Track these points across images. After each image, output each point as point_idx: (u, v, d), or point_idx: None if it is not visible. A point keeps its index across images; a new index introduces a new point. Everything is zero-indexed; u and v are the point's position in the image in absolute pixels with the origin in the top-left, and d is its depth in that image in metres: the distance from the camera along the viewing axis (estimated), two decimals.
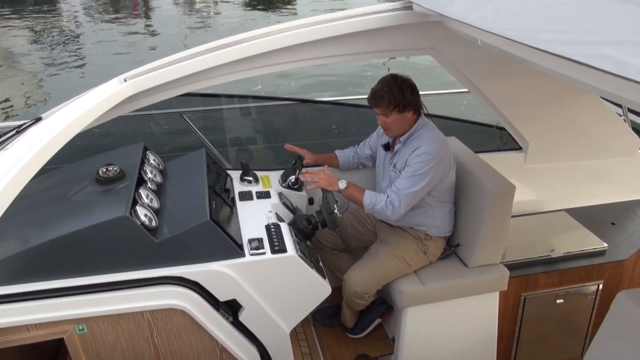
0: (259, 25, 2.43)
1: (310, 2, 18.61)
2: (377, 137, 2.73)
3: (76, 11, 18.60)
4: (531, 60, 1.37)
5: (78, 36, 15.20)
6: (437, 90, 4.06)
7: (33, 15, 17.54)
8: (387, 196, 2.36)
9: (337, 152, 2.86)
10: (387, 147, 2.57)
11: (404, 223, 2.54)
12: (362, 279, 2.49)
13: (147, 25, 16.52)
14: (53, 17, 17.76)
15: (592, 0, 1.30)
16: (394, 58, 8.35)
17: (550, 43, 1.26)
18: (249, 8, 18.52)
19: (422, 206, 2.47)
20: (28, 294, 1.83)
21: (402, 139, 2.45)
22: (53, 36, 15.16)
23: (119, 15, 17.69)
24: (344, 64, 9.29)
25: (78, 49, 13.74)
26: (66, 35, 15.27)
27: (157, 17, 17.80)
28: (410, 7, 2.26)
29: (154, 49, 13.19)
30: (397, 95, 2.31)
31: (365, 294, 2.51)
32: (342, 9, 2.41)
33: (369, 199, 2.41)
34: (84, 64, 12.32)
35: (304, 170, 2.63)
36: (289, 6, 18.46)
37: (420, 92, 2.46)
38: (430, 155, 2.32)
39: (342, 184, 2.43)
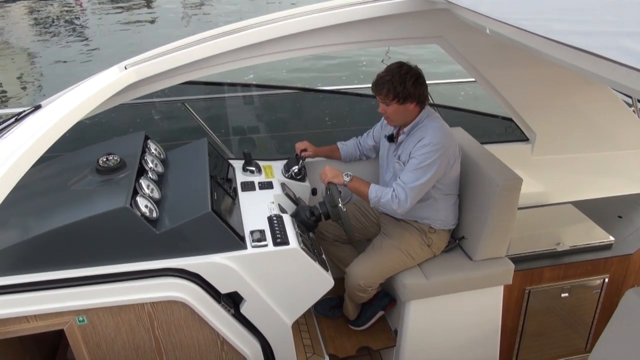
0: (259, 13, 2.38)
1: None
2: (381, 128, 2.68)
3: None
4: (544, 52, 1.32)
5: (80, 21, 15.11)
6: (442, 80, 3.99)
7: None
8: (393, 190, 2.32)
9: (338, 143, 2.82)
10: (391, 138, 2.52)
11: (408, 216, 2.50)
12: (366, 272, 2.47)
13: (149, 13, 16.41)
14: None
15: None
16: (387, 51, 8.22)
17: (565, 34, 1.21)
18: None
19: (427, 199, 2.42)
20: (28, 284, 1.82)
21: (405, 129, 2.40)
22: (54, 20, 15.07)
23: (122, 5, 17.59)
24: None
25: (80, 33, 13.67)
26: (68, 20, 15.18)
27: (159, 5, 17.67)
28: None
29: (155, 36, 13.11)
30: (398, 86, 2.23)
31: (368, 287, 2.49)
32: None
33: (375, 192, 2.37)
34: (86, 46, 12.26)
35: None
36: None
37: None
38: (435, 146, 2.26)
39: (346, 177, 2.41)
